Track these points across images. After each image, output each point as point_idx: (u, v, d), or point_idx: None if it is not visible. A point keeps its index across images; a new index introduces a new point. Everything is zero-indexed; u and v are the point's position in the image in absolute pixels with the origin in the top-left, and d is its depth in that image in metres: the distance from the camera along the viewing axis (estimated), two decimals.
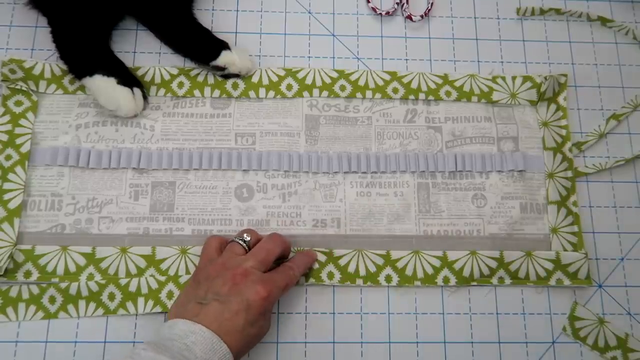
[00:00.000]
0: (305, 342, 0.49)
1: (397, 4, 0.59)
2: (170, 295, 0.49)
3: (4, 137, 0.52)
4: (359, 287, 0.51)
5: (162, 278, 0.49)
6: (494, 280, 0.51)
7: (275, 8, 0.59)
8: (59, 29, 0.52)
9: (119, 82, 0.51)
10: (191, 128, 0.54)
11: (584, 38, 0.60)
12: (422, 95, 0.56)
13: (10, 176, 0.51)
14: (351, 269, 0.51)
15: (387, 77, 0.56)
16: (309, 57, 0.57)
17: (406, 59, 0.58)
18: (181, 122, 0.54)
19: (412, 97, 0.56)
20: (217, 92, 0.55)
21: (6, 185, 0.50)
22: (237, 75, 0.55)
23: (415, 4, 0.60)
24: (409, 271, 0.51)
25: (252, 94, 0.55)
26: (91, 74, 0.50)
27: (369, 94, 0.55)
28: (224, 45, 0.53)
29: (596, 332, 0.50)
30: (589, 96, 0.58)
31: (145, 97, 0.53)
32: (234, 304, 0.42)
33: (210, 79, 0.55)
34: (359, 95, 0.55)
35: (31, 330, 0.48)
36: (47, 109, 0.53)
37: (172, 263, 0.50)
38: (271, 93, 0.55)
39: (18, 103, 0.53)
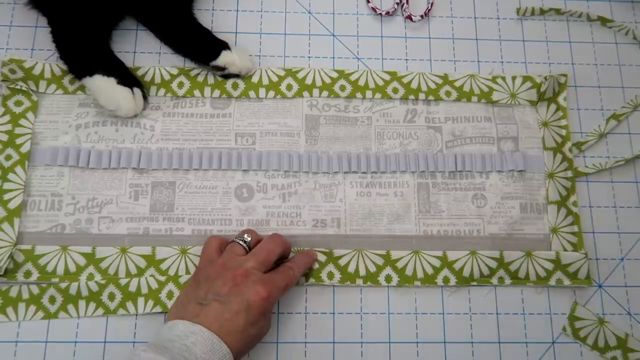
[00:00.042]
0: (305, 342, 0.49)
1: (397, 4, 0.59)
2: (170, 295, 0.49)
3: (4, 137, 0.52)
4: (359, 287, 0.51)
5: (162, 278, 0.49)
6: (494, 280, 0.51)
7: (275, 8, 0.59)
8: (59, 29, 0.52)
9: (119, 82, 0.51)
10: (191, 128, 0.54)
11: (584, 38, 0.60)
12: (422, 95, 0.56)
13: (10, 176, 0.51)
14: (351, 269, 0.51)
15: (387, 77, 0.56)
16: (309, 57, 0.57)
17: (406, 59, 0.58)
18: (181, 122, 0.54)
19: (412, 97, 0.56)
20: (217, 92, 0.55)
21: (6, 185, 0.50)
22: (237, 75, 0.55)
23: (415, 4, 0.60)
24: (409, 271, 0.51)
25: (252, 94, 0.55)
26: (91, 74, 0.50)
27: (369, 94, 0.55)
28: (224, 45, 0.53)
29: (596, 332, 0.50)
30: (589, 96, 0.58)
31: (145, 97, 0.53)
32: (234, 304, 0.42)
33: (210, 79, 0.55)
34: (359, 95, 0.55)
35: (31, 330, 0.48)
36: (47, 109, 0.53)
37: (172, 263, 0.50)
38: (271, 93, 0.55)
39: (18, 103, 0.53)
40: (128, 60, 0.55)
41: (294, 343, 0.49)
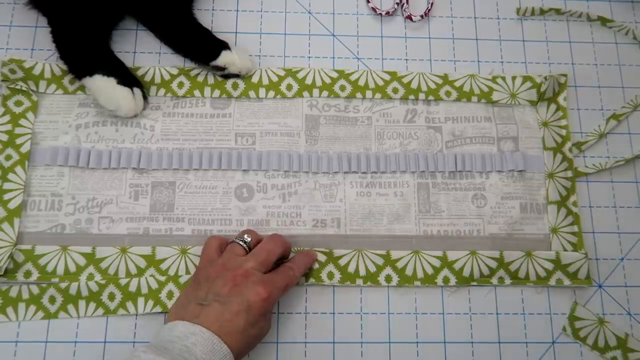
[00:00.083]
0: (305, 342, 0.49)
1: (397, 4, 0.59)
2: (170, 295, 0.49)
3: (4, 137, 0.52)
4: (359, 287, 0.51)
5: (162, 278, 0.49)
6: (494, 280, 0.51)
7: (275, 8, 0.59)
8: (59, 29, 0.52)
9: (119, 82, 0.51)
10: (191, 128, 0.54)
11: (584, 38, 0.60)
12: (422, 95, 0.56)
13: (10, 176, 0.51)
14: (351, 269, 0.51)
15: (387, 77, 0.56)
16: (309, 57, 0.57)
17: (406, 59, 0.58)
18: (181, 122, 0.54)
19: (412, 97, 0.56)
20: (217, 92, 0.55)
21: (6, 185, 0.50)
22: (237, 75, 0.55)
23: (415, 4, 0.60)
24: (409, 271, 0.51)
25: (252, 94, 0.55)
26: (91, 74, 0.50)
27: (369, 94, 0.55)
28: (224, 45, 0.53)
29: (596, 332, 0.50)
30: (589, 96, 0.58)
31: (145, 97, 0.53)
32: (234, 304, 0.42)
33: (210, 79, 0.55)
34: (359, 95, 0.55)
35: (31, 330, 0.48)
36: (47, 109, 0.53)
37: (172, 263, 0.50)
38: (271, 93, 0.55)
39: (18, 103, 0.53)
40: (128, 60, 0.55)
41: (294, 343, 0.49)
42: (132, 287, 0.49)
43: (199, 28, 0.54)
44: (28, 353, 0.48)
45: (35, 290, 0.48)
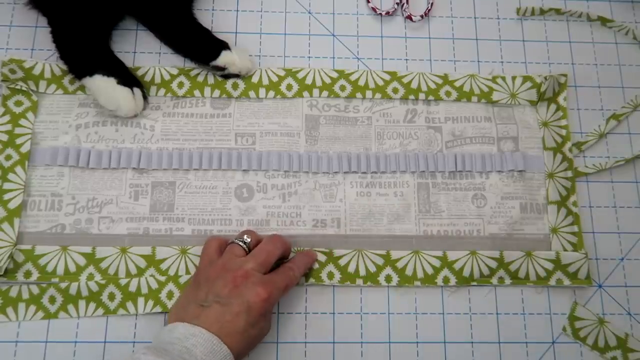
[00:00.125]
0: (305, 342, 0.49)
1: (397, 4, 0.59)
2: (170, 295, 0.49)
3: (4, 137, 0.52)
4: (359, 287, 0.51)
5: (162, 278, 0.49)
6: (494, 280, 0.51)
7: (275, 8, 0.59)
8: (59, 29, 0.52)
9: (119, 82, 0.51)
10: (191, 128, 0.54)
11: (584, 38, 0.60)
12: (422, 95, 0.56)
13: (10, 176, 0.51)
14: (351, 269, 0.51)
15: (387, 77, 0.56)
16: (309, 57, 0.57)
17: (406, 59, 0.58)
18: (181, 122, 0.54)
19: (412, 97, 0.56)
20: (217, 92, 0.55)
21: (6, 185, 0.50)
22: (237, 75, 0.55)
23: (415, 4, 0.60)
24: (409, 271, 0.51)
25: (252, 94, 0.55)
26: (91, 74, 0.50)
27: (369, 94, 0.55)
28: (224, 45, 0.53)
29: (596, 332, 0.50)
30: (589, 96, 0.58)
31: (145, 97, 0.53)
32: (234, 305, 0.42)
33: (210, 79, 0.55)
34: (359, 95, 0.55)
35: (31, 330, 0.48)
36: (47, 109, 0.53)
37: (172, 263, 0.50)
38: (271, 93, 0.55)
39: (18, 103, 0.53)
40: (128, 60, 0.55)
41: (294, 343, 0.49)
42: (132, 287, 0.49)
43: (199, 28, 0.54)
44: (28, 353, 0.48)
45: (35, 290, 0.48)
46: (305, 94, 0.55)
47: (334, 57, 0.57)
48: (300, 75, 0.56)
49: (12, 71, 0.52)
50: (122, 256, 0.50)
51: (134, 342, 0.48)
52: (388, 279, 0.51)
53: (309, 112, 0.55)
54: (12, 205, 0.50)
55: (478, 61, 0.58)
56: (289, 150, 0.53)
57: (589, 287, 0.52)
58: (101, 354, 0.48)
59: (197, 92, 0.55)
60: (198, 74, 0.55)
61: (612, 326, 0.50)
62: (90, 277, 0.49)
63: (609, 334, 0.50)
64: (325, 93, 0.55)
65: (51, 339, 0.48)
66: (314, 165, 0.53)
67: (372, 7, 0.59)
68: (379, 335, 0.50)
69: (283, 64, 0.57)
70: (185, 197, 0.52)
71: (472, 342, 0.50)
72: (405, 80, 0.56)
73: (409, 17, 0.59)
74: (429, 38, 0.59)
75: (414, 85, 0.56)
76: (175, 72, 0.55)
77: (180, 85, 0.55)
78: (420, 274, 0.51)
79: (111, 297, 0.49)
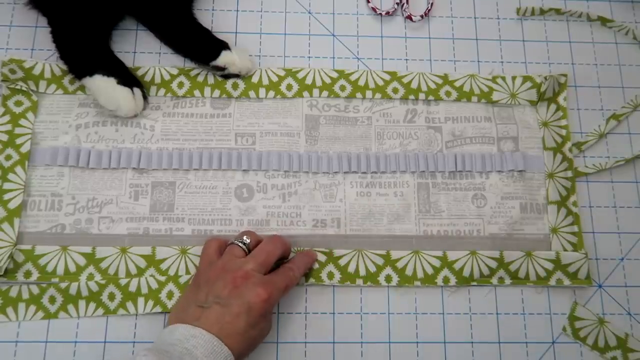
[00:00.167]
0: (305, 342, 0.49)
1: (397, 4, 0.59)
2: (170, 295, 0.49)
3: (4, 137, 0.52)
4: (359, 287, 0.51)
5: (162, 278, 0.49)
6: (494, 280, 0.51)
7: (275, 8, 0.59)
8: (59, 29, 0.52)
9: (119, 82, 0.51)
10: (191, 128, 0.54)
11: (584, 38, 0.60)
12: (422, 95, 0.56)
13: (10, 176, 0.51)
14: (351, 269, 0.51)
15: (387, 77, 0.56)
16: (309, 57, 0.57)
17: (406, 59, 0.58)
18: (181, 122, 0.54)
19: (412, 97, 0.56)
20: (217, 92, 0.55)
21: (6, 185, 0.50)
22: (237, 75, 0.55)
23: (415, 4, 0.60)
24: (409, 271, 0.51)
25: (252, 94, 0.55)
26: (91, 74, 0.50)
27: (369, 94, 0.55)
28: (224, 45, 0.53)
29: (596, 332, 0.50)
30: (589, 96, 0.58)
31: (145, 97, 0.53)
32: (234, 306, 0.42)
33: (210, 79, 0.55)
34: (359, 95, 0.55)
35: (31, 330, 0.48)
36: (47, 109, 0.53)
37: (172, 263, 0.50)
38: (271, 93, 0.55)
39: (18, 103, 0.53)
40: (128, 60, 0.55)
41: (294, 343, 0.49)
42: (132, 287, 0.49)
43: (199, 28, 0.54)
44: (28, 353, 0.48)
45: (35, 290, 0.48)
46: (305, 94, 0.55)
47: (334, 57, 0.57)
48: (300, 75, 0.56)
49: (12, 71, 0.52)
50: (122, 256, 0.50)
51: (134, 342, 0.48)
52: (388, 279, 0.51)
53: (309, 112, 0.55)
54: (12, 205, 0.50)
55: (478, 61, 0.58)
56: (289, 150, 0.53)
57: (589, 287, 0.52)
58: (101, 354, 0.48)
59: (197, 92, 0.55)
60: (198, 74, 0.55)
61: (612, 326, 0.50)
62: (90, 277, 0.49)
63: (609, 334, 0.50)
64: (325, 93, 0.55)
65: (51, 339, 0.48)
66: (314, 165, 0.53)
67: (372, 7, 0.59)
68: (379, 335, 0.50)
69: (283, 64, 0.57)
70: (185, 197, 0.52)
71: (472, 342, 0.50)
72: (405, 80, 0.56)
73: (409, 17, 0.59)
74: (429, 38, 0.59)
75: (414, 85, 0.56)
76: (175, 72, 0.55)
77: (180, 85, 0.55)
78: (420, 274, 0.51)
79: (111, 297, 0.49)
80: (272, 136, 0.54)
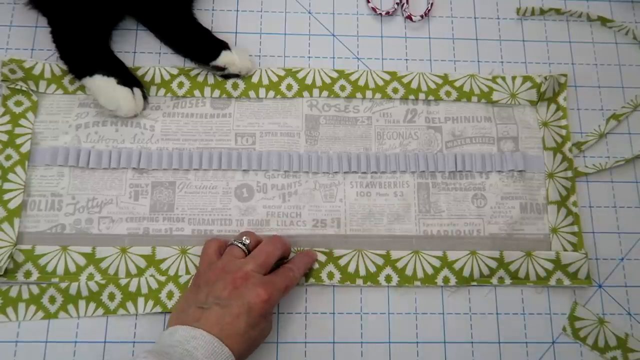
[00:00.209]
0: (305, 342, 0.49)
1: (397, 4, 0.59)
2: (170, 295, 0.49)
3: (4, 137, 0.52)
4: (359, 287, 0.51)
5: (162, 278, 0.49)
6: (494, 280, 0.51)
7: (275, 8, 0.59)
8: (59, 29, 0.52)
9: (119, 82, 0.51)
10: (191, 128, 0.54)
11: (584, 38, 0.60)
12: (422, 95, 0.56)
13: (10, 176, 0.51)
14: (351, 269, 0.51)
15: (387, 77, 0.56)
16: (309, 57, 0.57)
17: (406, 59, 0.58)
18: (181, 122, 0.54)
19: (412, 97, 0.56)
20: (217, 92, 0.55)
21: (6, 185, 0.50)
22: (237, 75, 0.55)
23: (415, 4, 0.60)
24: (409, 271, 0.51)
25: (252, 94, 0.55)
26: (91, 74, 0.50)
27: (369, 94, 0.55)
28: (224, 45, 0.53)
29: (596, 332, 0.50)
30: (589, 96, 0.58)
31: (145, 97, 0.53)
32: (234, 307, 0.42)
33: (210, 79, 0.55)
34: (359, 95, 0.55)
35: (31, 330, 0.48)
36: (47, 109, 0.53)
37: (172, 263, 0.50)
38: (271, 93, 0.55)
39: (18, 103, 0.53)
40: (128, 60, 0.55)
41: (294, 343, 0.49)
42: (132, 287, 0.49)
43: (199, 28, 0.54)
44: (28, 353, 0.48)
45: (35, 290, 0.48)
46: (305, 94, 0.55)
47: (334, 57, 0.57)
48: (300, 75, 0.56)
49: (12, 71, 0.52)
50: (122, 256, 0.50)
51: (134, 342, 0.48)
52: (388, 279, 0.51)
53: (309, 112, 0.55)
54: (12, 205, 0.50)
55: (478, 61, 0.58)
56: (289, 150, 0.53)
57: (589, 287, 0.52)
58: (101, 354, 0.48)
59: (197, 92, 0.55)
60: (198, 74, 0.55)
61: (612, 326, 0.50)
62: (90, 277, 0.49)
63: (609, 334, 0.50)
64: (325, 93, 0.55)
65: (51, 339, 0.48)
66: (314, 165, 0.53)
67: (372, 7, 0.59)
68: (379, 335, 0.50)
69: (283, 64, 0.57)
70: (185, 197, 0.52)
71: (472, 342, 0.50)
72: (405, 80, 0.56)
73: (409, 17, 0.59)
74: (429, 38, 0.59)
75: (414, 85, 0.56)
76: (175, 72, 0.55)
77: (180, 85, 0.55)
78: (420, 274, 0.51)
79: (111, 297, 0.49)
80: (272, 136, 0.54)
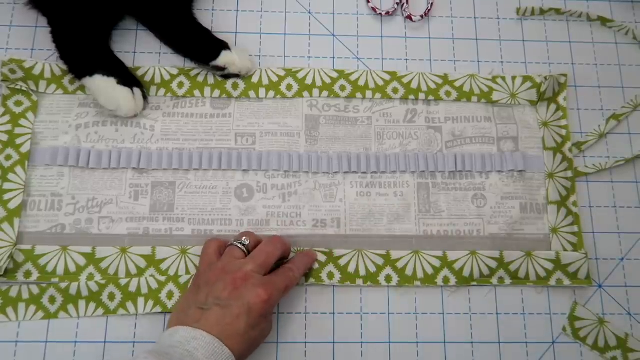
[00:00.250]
0: (305, 342, 0.49)
1: (397, 4, 0.59)
2: (170, 295, 0.49)
3: (4, 137, 0.52)
4: (359, 287, 0.51)
5: (162, 278, 0.49)
6: (494, 280, 0.51)
7: (275, 8, 0.59)
8: (59, 29, 0.52)
9: (119, 82, 0.51)
10: (191, 128, 0.54)
11: (584, 38, 0.60)
12: (422, 95, 0.56)
13: (10, 176, 0.51)
14: (351, 269, 0.51)
15: (387, 77, 0.56)
16: (309, 57, 0.57)
17: (406, 59, 0.58)
18: (181, 122, 0.54)
19: (412, 97, 0.56)
20: (217, 92, 0.55)
21: (6, 185, 0.50)
22: (237, 75, 0.55)
23: (415, 4, 0.60)
24: (409, 271, 0.51)
25: (252, 94, 0.55)
26: (91, 74, 0.50)
27: (369, 94, 0.55)
28: (224, 45, 0.53)
29: (596, 332, 0.50)
30: (589, 96, 0.58)
31: (145, 97, 0.53)
32: (234, 308, 0.42)
33: (210, 79, 0.55)
34: (359, 95, 0.55)
35: (31, 330, 0.48)
36: (47, 109, 0.53)
37: (172, 263, 0.50)
38: (271, 93, 0.55)
39: (18, 103, 0.53)
40: (128, 60, 0.55)
41: (294, 343, 0.49)
42: (132, 287, 0.49)
43: (199, 28, 0.54)
44: (28, 353, 0.48)
45: (35, 290, 0.48)
46: (305, 94, 0.55)
47: (334, 57, 0.57)
48: (300, 75, 0.56)
49: (12, 71, 0.52)
50: (122, 256, 0.50)
51: (134, 342, 0.48)
52: (388, 279, 0.51)
53: (309, 112, 0.55)
54: (12, 205, 0.50)
55: (478, 61, 0.58)
56: (289, 150, 0.53)
57: (589, 287, 0.52)
58: (101, 354, 0.48)
59: (197, 92, 0.55)
60: (198, 74, 0.55)
61: (612, 326, 0.50)
62: (90, 277, 0.49)
63: (609, 334, 0.50)
64: (325, 93, 0.55)
65: (51, 339, 0.48)
66: (314, 165, 0.53)
67: (372, 7, 0.59)
68: (379, 335, 0.50)
69: (283, 64, 0.57)
70: (185, 197, 0.52)
71: (472, 342, 0.50)
72: (405, 80, 0.56)
73: (409, 17, 0.59)
74: (429, 38, 0.59)
75: (414, 85, 0.56)
76: (175, 72, 0.55)
77: (180, 85, 0.55)
78: (420, 274, 0.51)
79: (111, 297, 0.49)
80: (272, 136, 0.54)
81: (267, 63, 0.57)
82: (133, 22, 0.57)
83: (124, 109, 0.51)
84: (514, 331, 0.51)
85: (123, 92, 0.51)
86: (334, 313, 0.50)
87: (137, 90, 0.52)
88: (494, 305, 0.51)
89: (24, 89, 0.53)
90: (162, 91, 0.54)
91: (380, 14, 0.59)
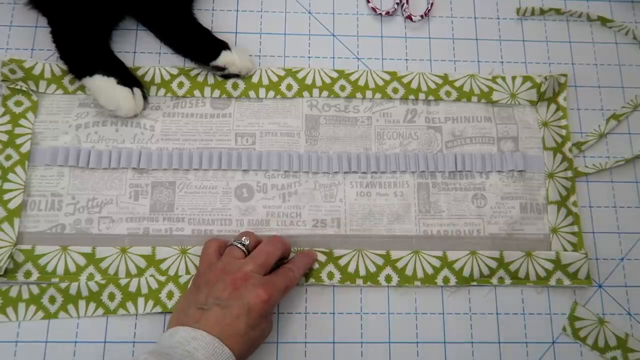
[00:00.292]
0: (305, 342, 0.49)
1: (397, 4, 0.59)
2: (170, 295, 0.49)
3: (4, 137, 0.52)
4: (359, 287, 0.51)
5: (162, 278, 0.49)
6: (494, 280, 0.51)
7: (275, 8, 0.59)
8: (59, 29, 0.52)
9: (119, 82, 0.51)
10: (191, 128, 0.54)
11: (584, 38, 0.60)
12: (422, 95, 0.56)
13: (10, 176, 0.51)
14: (351, 269, 0.51)
15: (387, 77, 0.56)
16: (309, 57, 0.57)
17: (406, 59, 0.58)
18: (181, 122, 0.54)
19: (412, 97, 0.56)
20: (217, 92, 0.55)
21: (6, 185, 0.50)
22: (237, 75, 0.55)
23: (415, 4, 0.60)
24: (409, 271, 0.51)
25: (252, 94, 0.55)
26: (91, 74, 0.50)
27: (369, 94, 0.55)
28: (224, 45, 0.53)
29: (596, 332, 0.50)
30: (589, 96, 0.58)
31: (145, 97, 0.53)
32: (234, 308, 0.42)
33: (210, 79, 0.55)
34: (359, 95, 0.55)
35: (31, 330, 0.48)
36: (47, 109, 0.53)
37: (172, 263, 0.50)
38: (271, 93, 0.55)
39: (18, 103, 0.53)
40: (128, 60, 0.55)
41: (294, 343, 0.49)
42: (132, 287, 0.49)
43: (199, 28, 0.54)
44: (28, 353, 0.48)
45: (35, 290, 0.48)
46: (305, 94, 0.55)
47: (334, 57, 0.57)
48: (300, 75, 0.56)
49: (12, 71, 0.52)
50: (122, 256, 0.50)
51: (134, 342, 0.48)
52: (388, 279, 0.51)
53: (309, 112, 0.55)
54: (12, 205, 0.50)
55: (478, 61, 0.58)
56: (289, 150, 0.53)
57: (589, 287, 0.52)
58: (101, 354, 0.48)
59: (197, 92, 0.55)
60: (198, 74, 0.55)
61: (612, 326, 0.50)
62: (90, 277, 0.49)
63: (609, 334, 0.50)
64: (325, 93, 0.55)
65: (51, 339, 0.48)
66: (314, 165, 0.53)
67: (372, 7, 0.59)
68: (379, 335, 0.50)
69: (283, 64, 0.57)
70: (185, 197, 0.52)
71: (472, 342, 0.50)
72: (405, 80, 0.56)
73: (409, 17, 0.59)
74: (429, 38, 0.59)
75: (414, 85, 0.56)
76: (175, 72, 0.55)
77: (180, 85, 0.55)
78: (420, 274, 0.51)
79: (111, 297, 0.49)
80: (272, 136, 0.54)
81: (267, 63, 0.57)
82: (133, 22, 0.57)
83: (124, 109, 0.51)
84: (514, 331, 0.51)
85: (123, 92, 0.51)
86: (334, 313, 0.50)
87: (137, 90, 0.52)
88: (494, 305, 0.51)
89: (24, 89, 0.53)
90: (162, 91, 0.54)
91: (380, 14, 0.59)
